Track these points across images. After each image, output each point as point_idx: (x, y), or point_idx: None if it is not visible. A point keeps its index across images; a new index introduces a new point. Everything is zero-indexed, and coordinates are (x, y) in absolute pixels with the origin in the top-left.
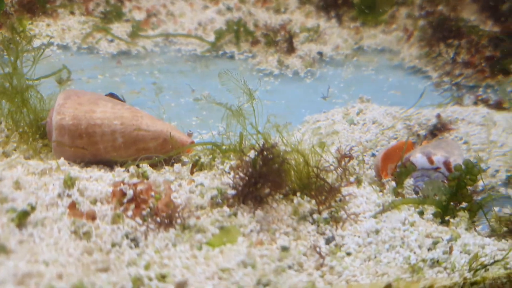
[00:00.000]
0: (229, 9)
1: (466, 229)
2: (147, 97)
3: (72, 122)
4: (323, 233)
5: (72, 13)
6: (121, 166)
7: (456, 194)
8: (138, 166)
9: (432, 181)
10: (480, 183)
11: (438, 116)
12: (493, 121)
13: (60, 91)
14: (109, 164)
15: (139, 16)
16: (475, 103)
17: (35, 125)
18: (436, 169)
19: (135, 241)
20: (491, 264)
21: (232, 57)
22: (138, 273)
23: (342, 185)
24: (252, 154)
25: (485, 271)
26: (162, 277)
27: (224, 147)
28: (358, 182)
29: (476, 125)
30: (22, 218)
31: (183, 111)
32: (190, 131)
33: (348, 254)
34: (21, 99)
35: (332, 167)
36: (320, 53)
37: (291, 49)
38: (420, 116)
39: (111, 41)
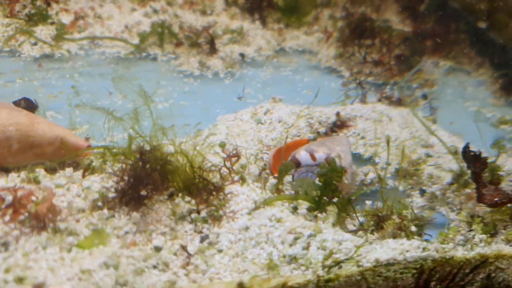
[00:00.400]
0: (155, 11)
1: (333, 224)
2: (63, 100)
3: None
4: (200, 232)
5: None
6: (18, 171)
7: (326, 189)
8: (33, 171)
9: (303, 178)
10: (370, 176)
11: (337, 114)
12: (389, 117)
13: None
14: (6, 170)
15: (67, 18)
16: (380, 100)
17: None
18: (319, 165)
19: (5, 246)
20: (343, 261)
21: (155, 58)
22: None
23: (225, 184)
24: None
25: (339, 268)
26: (20, 280)
27: (115, 150)
28: (242, 180)
29: (373, 121)
30: None
31: (96, 114)
32: (88, 135)
33: (220, 251)
34: None
35: (218, 167)
36: (242, 55)
37: (213, 51)
38: (321, 114)
39: (34, 44)
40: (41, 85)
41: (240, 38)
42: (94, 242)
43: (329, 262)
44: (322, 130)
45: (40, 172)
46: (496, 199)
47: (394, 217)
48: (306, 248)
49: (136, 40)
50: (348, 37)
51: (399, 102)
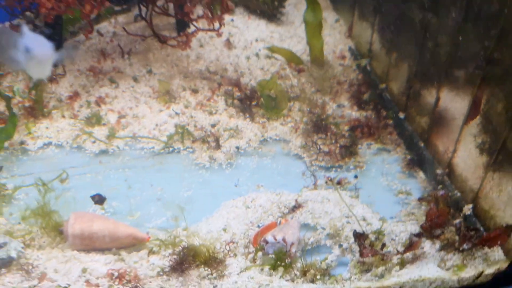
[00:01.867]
0: (176, 114)
1: (280, 277)
2: (121, 192)
3: (80, 232)
4: (214, 285)
5: (63, 116)
6: (109, 253)
7: (278, 259)
8: (118, 253)
9: (266, 254)
10: (311, 240)
11: (296, 200)
12: (328, 199)
13: (72, 213)
14: (101, 251)
15: (113, 117)
16: (326, 182)
17: (55, 229)
18: (278, 242)
19: None
20: None
21: (179, 152)
22: None
23: (225, 258)
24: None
25: None
26: None
27: (166, 242)
28: (235, 255)
29: (318, 202)
30: None
31: (145, 202)
32: (148, 232)
33: None
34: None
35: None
36: (237, 147)
37: (217, 147)
38: (286, 199)
39: (94, 142)
40: (104, 178)
41: (236, 134)
42: None
43: None
44: (285, 211)
45: (123, 253)
46: (370, 254)
47: (312, 269)
48: None
49: (163, 137)
50: (309, 130)
51: (339, 183)
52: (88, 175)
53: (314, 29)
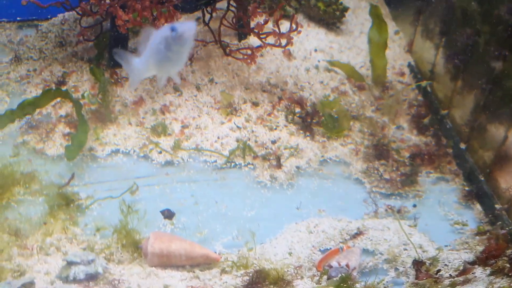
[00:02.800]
0: (238, 127)
1: None
2: (187, 207)
3: (159, 251)
4: None
5: (130, 123)
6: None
7: (342, 281)
8: (193, 271)
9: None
10: (370, 264)
11: (358, 228)
12: (388, 227)
13: (151, 233)
14: (176, 267)
15: (177, 126)
16: (386, 210)
17: (134, 245)
18: (342, 267)
19: None
20: None
21: (240, 168)
22: None
23: (293, 280)
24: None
25: None
26: None
27: (238, 263)
28: (301, 277)
29: (379, 230)
30: None
31: (211, 219)
32: (219, 253)
33: None
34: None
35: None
36: (298, 167)
37: (279, 165)
38: (348, 227)
39: (160, 152)
40: (171, 191)
41: (296, 153)
42: None
43: None
44: (347, 237)
45: (196, 271)
46: (424, 278)
47: None
48: None
49: (225, 150)
50: (370, 154)
51: (399, 211)
52: (156, 187)
53: (378, 48)
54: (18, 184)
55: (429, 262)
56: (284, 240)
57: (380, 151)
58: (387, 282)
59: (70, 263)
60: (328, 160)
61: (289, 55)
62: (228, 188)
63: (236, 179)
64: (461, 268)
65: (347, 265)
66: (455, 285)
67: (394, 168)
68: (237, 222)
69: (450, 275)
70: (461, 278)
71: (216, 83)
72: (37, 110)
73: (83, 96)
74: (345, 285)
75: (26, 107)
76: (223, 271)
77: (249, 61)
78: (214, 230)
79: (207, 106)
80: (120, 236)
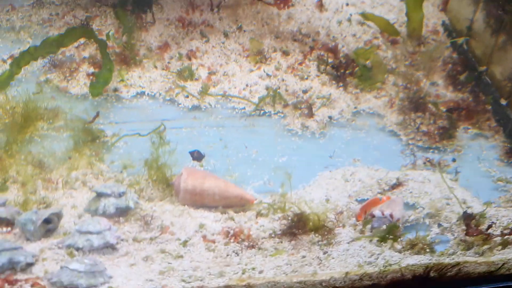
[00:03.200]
0: (268, 76)
1: (389, 248)
2: (216, 150)
3: (192, 188)
4: (324, 251)
5: (155, 67)
6: (215, 211)
7: (388, 232)
8: (225, 212)
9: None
10: (412, 217)
11: (397, 179)
12: (428, 179)
13: (184, 168)
14: (208, 208)
15: (203, 73)
16: (424, 163)
17: (165, 182)
18: (385, 217)
19: (237, 253)
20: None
21: (269, 116)
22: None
23: (334, 227)
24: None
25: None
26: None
27: (274, 206)
28: (343, 225)
29: (419, 182)
30: (184, 244)
31: (241, 163)
32: (255, 198)
33: (332, 258)
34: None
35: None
36: (330, 117)
37: (310, 114)
38: (387, 177)
39: (187, 96)
40: (199, 134)
41: (328, 103)
42: (277, 253)
43: (386, 264)
44: (386, 187)
45: (230, 212)
46: (474, 234)
47: (420, 243)
48: (376, 259)
49: (255, 99)
50: (405, 107)
51: (438, 165)
52: (183, 129)
53: (415, 0)
54: (41, 119)
55: (476, 218)
56: (319, 187)
57: (416, 103)
58: (431, 238)
59: (99, 195)
60: (361, 111)
61: (320, 6)
62: (258, 135)
63: (266, 126)
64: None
65: (391, 215)
66: (507, 244)
67: (431, 121)
68: (268, 167)
69: (501, 232)
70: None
71: (244, 31)
72: (60, 50)
73: (107, 36)
74: (391, 236)
75: (50, 45)
76: (259, 214)
77: (281, 5)
78: (244, 174)
79: (235, 54)
80: (150, 171)
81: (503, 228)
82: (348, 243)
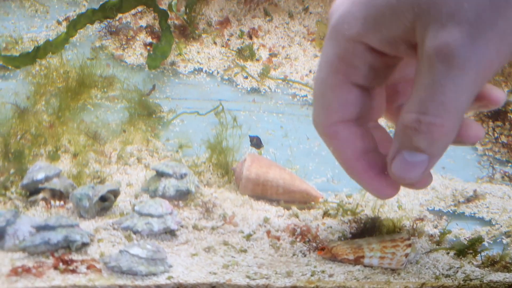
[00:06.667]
0: None
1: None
2: (276, 138)
3: (255, 177)
4: None
5: (215, 43)
6: (278, 205)
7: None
8: (289, 208)
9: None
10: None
11: (475, 191)
12: (509, 195)
13: (248, 154)
14: (269, 200)
15: (264, 54)
16: (502, 178)
17: (225, 168)
18: None
19: (303, 253)
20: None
21: None
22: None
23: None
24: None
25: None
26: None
27: (345, 207)
28: (419, 235)
29: (497, 197)
30: (248, 238)
31: (302, 155)
32: (322, 196)
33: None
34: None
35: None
36: None
37: None
38: (463, 188)
39: (246, 77)
40: (258, 119)
41: None
42: None
43: (466, 278)
44: (461, 200)
45: (294, 208)
46: None
47: (502, 261)
48: (455, 272)
49: None
50: (483, 115)
51: None
52: (242, 112)
53: None
54: (95, 87)
55: None
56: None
57: (495, 111)
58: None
59: (160, 174)
60: None
61: None
62: None
63: None
64: None
65: None
66: None
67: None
68: (332, 163)
69: None
70: None
71: (311, 12)
72: (118, 16)
73: (169, 6)
74: (469, 250)
75: (109, 9)
76: (326, 214)
77: None
78: (306, 167)
79: (299, 36)
80: (212, 154)
81: None
82: (423, 253)
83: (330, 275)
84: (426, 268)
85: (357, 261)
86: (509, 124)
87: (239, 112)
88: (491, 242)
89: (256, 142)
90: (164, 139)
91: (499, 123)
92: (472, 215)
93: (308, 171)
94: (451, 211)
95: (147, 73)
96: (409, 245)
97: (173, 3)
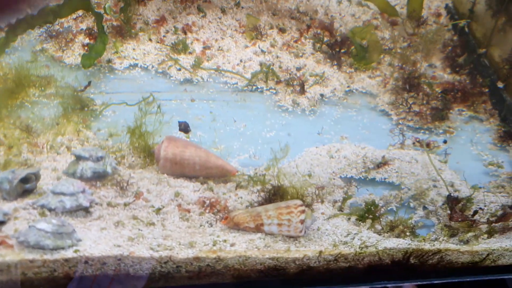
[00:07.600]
0: (262, 52)
1: (368, 228)
2: (205, 123)
3: (172, 156)
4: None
5: (150, 40)
6: (196, 181)
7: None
8: (206, 182)
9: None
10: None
11: (383, 157)
12: (415, 159)
13: (165, 137)
14: (189, 178)
15: (198, 47)
16: (413, 143)
17: (147, 151)
18: None
19: (211, 224)
20: (369, 246)
21: (261, 91)
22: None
23: (313, 202)
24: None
25: (366, 248)
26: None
27: (254, 178)
28: (322, 201)
29: (405, 162)
30: (157, 212)
31: (228, 137)
32: (237, 170)
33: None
34: (142, 137)
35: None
36: (322, 95)
37: (302, 92)
38: (372, 155)
39: (179, 69)
40: (188, 106)
41: (321, 81)
42: None
43: (363, 245)
44: (371, 166)
45: (210, 183)
46: (459, 219)
47: (400, 226)
48: (352, 239)
49: (248, 74)
50: (399, 87)
51: (427, 145)
52: (173, 101)
53: None
54: (33, 86)
55: (462, 203)
56: (304, 162)
57: (410, 83)
58: (415, 221)
59: (78, 158)
60: (354, 90)
61: None
62: (248, 110)
63: (257, 102)
64: (500, 213)
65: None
66: (494, 232)
67: (425, 102)
68: (255, 141)
69: (488, 219)
70: (499, 225)
71: (242, 7)
72: (58, 21)
73: (104, 9)
74: (369, 215)
75: (47, 14)
76: (239, 186)
77: None
78: (230, 147)
79: (232, 29)
80: (132, 138)
81: (490, 215)
82: (325, 219)
83: (232, 244)
84: (326, 235)
85: (258, 228)
86: (423, 95)
87: (170, 101)
88: (399, 206)
89: (184, 127)
90: (96, 129)
91: (413, 94)
92: (383, 180)
93: (233, 149)
94: (362, 178)
95: (84, 71)
96: (303, 211)
97: (106, 5)
